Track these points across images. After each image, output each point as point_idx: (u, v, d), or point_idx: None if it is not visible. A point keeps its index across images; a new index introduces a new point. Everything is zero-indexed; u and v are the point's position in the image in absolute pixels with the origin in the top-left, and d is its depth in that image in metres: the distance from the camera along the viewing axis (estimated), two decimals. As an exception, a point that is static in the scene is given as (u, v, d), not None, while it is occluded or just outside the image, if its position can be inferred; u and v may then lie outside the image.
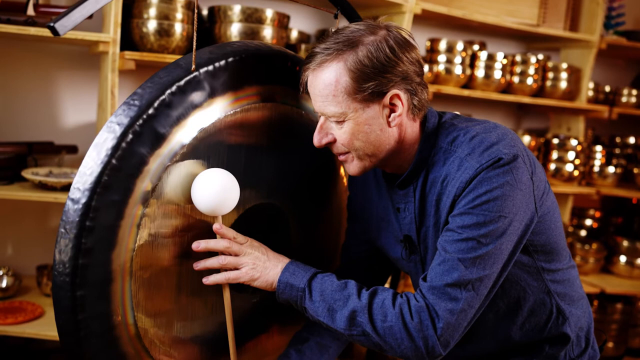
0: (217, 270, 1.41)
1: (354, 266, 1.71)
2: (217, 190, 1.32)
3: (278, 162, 1.54)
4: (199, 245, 1.37)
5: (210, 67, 1.36)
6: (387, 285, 1.92)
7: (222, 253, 1.39)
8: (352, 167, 1.41)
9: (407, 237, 1.50)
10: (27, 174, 2.27)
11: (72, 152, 2.57)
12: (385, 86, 1.31)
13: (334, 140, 1.38)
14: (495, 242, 1.28)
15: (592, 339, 1.60)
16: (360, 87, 1.29)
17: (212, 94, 1.37)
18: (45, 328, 2.26)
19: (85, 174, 1.20)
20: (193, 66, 1.33)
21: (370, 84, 1.29)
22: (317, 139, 1.40)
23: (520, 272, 1.43)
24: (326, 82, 1.31)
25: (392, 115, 1.34)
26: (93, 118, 2.65)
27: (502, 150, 1.29)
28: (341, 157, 1.42)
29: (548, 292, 1.47)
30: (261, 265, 1.39)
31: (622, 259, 3.69)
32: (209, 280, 1.39)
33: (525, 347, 1.53)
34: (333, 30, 1.37)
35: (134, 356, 1.35)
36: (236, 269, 1.39)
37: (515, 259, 1.38)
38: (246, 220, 1.50)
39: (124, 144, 1.22)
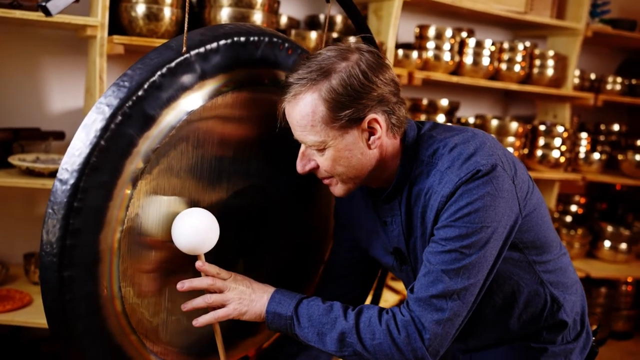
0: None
1: (343, 271, 1.73)
2: (196, 231, 1.34)
3: (268, 146, 1.55)
4: (184, 285, 1.38)
5: (202, 49, 1.35)
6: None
7: (207, 291, 1.41)
8: (337, 190, 1.43)
9: (397, 250, 1.52)
10: (13, 160, 2.25)
11: (59, 139, 2.55)
12: (362, 112, 1.31)
13: (317, 167, 1.39)
14: (479, 252, 1.29)
15: (587, 322, 1.63)
16: (337, 116, 1.30)
17: (203, 77, 1.36)
18: (34, 316, 2.24)
19: (74, 155, 1.19)
20: (184, 48, 1.32)
21: (346, 111, 1.29)
22: (300, 167, 1.40)
23: (513, 267, 1.45)
24: (303, 114, 1.31)
25: (372, 138, 1.35)
26: (81, 104, 2.63)
27: (480, 162, 1.30)
28: (325, 181, 1.43)
29: (541, 282, 1.49)
30: (247, 299, 1.40)
31: (607, 244, 3.74)
32: (198, 322, 1.40)
33: (524, 335, 1.56)
34: (305, 56, 1.36)
35: (121, 336, 1.35)
36: (223, 305, 1.40)
37: (507, 256, 1.40)
38: (234, 206, 1.51)
39: (113, 126, 1.21)
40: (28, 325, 2.24)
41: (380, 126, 1.34)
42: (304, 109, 1.31)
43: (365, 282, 1.78)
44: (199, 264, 1.38)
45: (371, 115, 1.32)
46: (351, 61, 1.30)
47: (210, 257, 1.42)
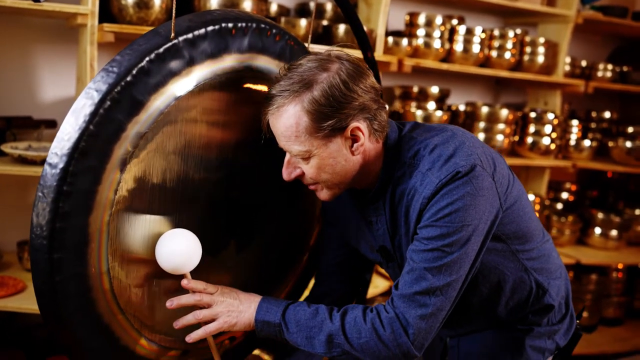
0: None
1: (333, 269, 1.77)
2: (179, 253, 1.38)
3: (256, 131, 1.56)
4: (172, 303, 1.43)
5: (190, 35, 1.36)
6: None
7: (196, 306, 1.45)
8: (322, 195, 1.46)
9: (383, 247, 1.56)
10: (6, 148, 2.26)
11: (51, 127, 2.56)
12: (344, 121, 1.33)
13: (303, 174, 1.42)
14: (460, 250, 1.34)
15: (571, 305, 1.67)
16: (320, 126, 1.32)
17: (191, 62, 1.38)
18: (28, 302, 2.26)
19: (63, 140, 1.21)
20: (172, 34, 1.33)
21: (329, 122, 1.32)
22: (286, 174, 1.43)
23: (497, 257, 1.49)
24: (287, 125, 1.34)
25: (355, 145, 1.38)
26: (72, 92, 2.64)
27: (459, 163, 1.33)
28: (311, 187, 1.46)
29: (525, 270, 1.53)
30: (236, 311, 1.44)
31: (597, 230, 3.77)
32: (191, 338, 1.45)
33: (511, 320, 1.61)
34: (286, 66, 1.39)
35: (109, 316, 1.38)
36: (213, 319, 1.44)
37: (491, 247, 1.44)
38: (222, 190, 1.53)
39: (101, 111, 1.23)
40: (22, 311, 2.26)
41: (363, 133, 1.37)
42: (287, 121, 1.34)
43: (356, 278, 1.82)
44: (184, 282, 1.44)
45: (354, 124, 1.35)
46: (332, 71, 1.33)
47: (203, 241, 1.45)
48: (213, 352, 1.53)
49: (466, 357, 1.66)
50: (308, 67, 1.34)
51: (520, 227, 1.49)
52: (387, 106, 1.44)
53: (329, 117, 1.32)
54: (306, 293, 2.04)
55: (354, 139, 1.37)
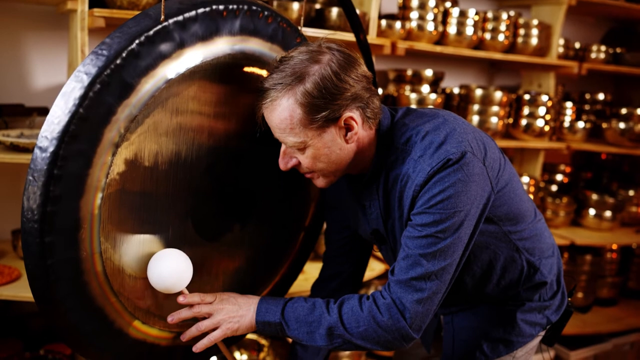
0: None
1: (339, 251, 1.81)
2: (170, 274, 1.41)
3: (247, 113, 1.56)
4: (173, 318, 1.48)
5: (180, 18, 1.36)
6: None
7: (197, 318, 1.50)
8: (319, 182, 1.50)
9: (375, 231, 1.59)
10: (-2, 135, 2.25)
11: (43, 114, 2.54)
12: (337, 112, 1.36)
13: (299, 163, 1.46)
14: (454, 235, 1.37)
15: (562, 283, 1.72)
16: (314, 118, 1.35)
17: (181, 45, 1.38)
18: (23, 290, 2.25)
19: (53, 123, 1.20)
20: (162, 16, 1.33)
21: (322, 113, 1.35)
22: (283, 164, 1.47)
23: (489, 238, 1.53)
24: (281, 118, 1.36)
25: (349, 134, 1.41)
26: (64, 79, 2.62)
27: (450, 150, 1.36)
28: (307, 176, 1.50)
29: (517, 249, 1.58)
30: (236, 316, 1.48)
31: (591, 212, 3.78)
32: (197, 348, 1.50)
33: (503, 297, 1.66)
34: (278, 59, 1.40)
35: (102, 299, 1.38)
36: (216, 327, 1.48)
37: (483, 229, 1.48)
38: (214, 173, 1.53)
39: (91, 94, 1.23)
40: (17, 300, 2.25)
41: (356, 122, 1.40)
42: (281, 114, 1.36)
43: (362, 259, 1.86)
44: (180, 299, 1.47)
45: (347, 114, 1.38)
46: (323, 63, 1.35)
47: (196, 224, 1.45)
48: (227, 355, 1.59)
49: (460, 332, 1.70)
50: (299, 59, 1.36)
51: (511, 209, 1.52)
52: (379, 92, 1.45)
53: (322, 109, 1.34)
54: (301, 276, 2.05)
55: (348, 128, 1.40)
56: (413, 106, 2.21)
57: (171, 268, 1.41)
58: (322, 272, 1.85)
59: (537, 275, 1.62)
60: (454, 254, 1.39)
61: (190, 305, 1.49)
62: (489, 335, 1.66)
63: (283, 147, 1.45)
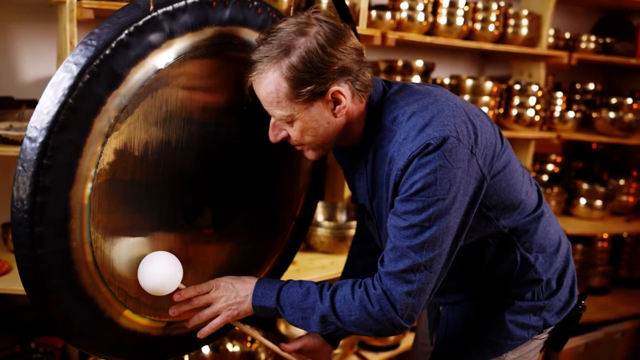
0: None
1: (365, 229, 1.83)
2: (161, 276, 1.42)
3: (237, 103, 1.56)
4: (174, 312, 1.51)
5: (169, 8, 1.35)
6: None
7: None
8: (309, 155, 1.49)
9: (362, 206, 1.60)
10: (-13, 128, 2.24)
11: (32, 107, 2.52)
12: (324, 86, 1.34)
13: (288, 136, 1.45)
14: (439, 223, 1.32)
15: (567, 283, 1.65)
16: (299, 92, 1.33)
17: (171, 35, 1.37)
18: (13, 283, 2.24)
19: (42, 113, 1.20)
20: (151, 7, 1.32)
21: (308, 87, 1.33)
22: (272, 136, 1.46)
23: (480, 226, 1.48)
24: (267, 91, 1.35)
25: (337, 107, 1.39)
26: (53, 71, 2.60)
27: (431, 134, 1.31)
28: (297, 148, 1.49)
29: (510, 241, 1.53)
30: (235, 303, 1.50)
31: (582, 201, 3.80)
32: (201, 335, 1.53)
33: (496, 291, 1.62)
34: (266, 30, 1.38)
35: (93, 289, 1.38)
36: (216, 315, 1.50)
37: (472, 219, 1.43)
38: (205, 163, 1.53)
39: (81, 84, 1.22)
40: (7, 293, 2.25)
41: (344, 96, 1.37)
42: (267, 87, 1.35)
43: None
44: (176, 296, 1.49)
45: (334, 88, 1.35)
46: (309, 36, 1.32)
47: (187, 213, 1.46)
48: (248, 332, 1.64)
49: (452, 326, 1.66)
50: (287, 31, 1.33)
51: (501, 200, 1.46)
52: (370, 65, 1.44)
53: (307, 83, 1.32)
54: (292, 267, 2.05)
55: (336, 101, 1.38)
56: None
57: (160, 273, 1.42)
58: (354, 239, 1.91)
59: (530, 272, 1.56)
60: (442, 244, 1.35)
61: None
62: (475, 335, 1.62)
63: (272, 120, 1.44)
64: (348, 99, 1.39)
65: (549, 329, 1.64)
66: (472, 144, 1.35)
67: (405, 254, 1.34)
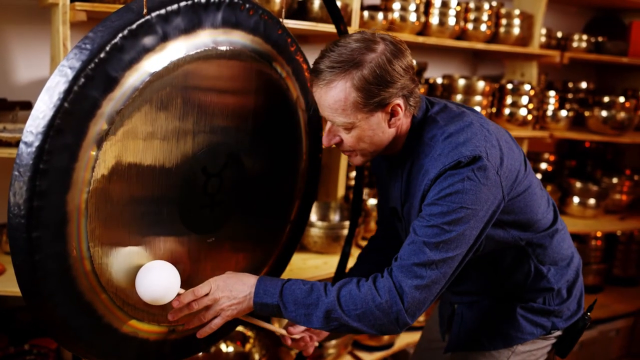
0: None
1: (386, 225, 1.89)
2: (158, 286, 1.43)
3: (232, 106, 1.56)
4: (174, 316, 1.53)
5: (163, 11, 1.36)
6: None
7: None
8: (356, 160, 1.60)
9: (393, 209, 1.68)
10: (-20, 131, 2.24)
11: (26, 109, 2.52)
12: (388, 99, 1.45)
13: (341, 141, 1.54)
14: (458, 229, 1.43)
15: (576, 294, 1.77)
16: (367, 102, 1.44)
17: (164, 38, 1.37)
18: (8, 284, 2.24)
19: (38, 118, 1.20)
20: (145, 10, 1.33)
21: (375, 99, 1.44)
22: (327, 141, 1.56)
23: (499, 237, 1.60)
24: (336, 99, 1.45)
25: (393, 119, 1.51)
26: (46, 73, 2.60)
27: (463, 153, 1.44)
28: (346, 153, 1.59)
29: (526, 254, 1.66)
30: (235, 303, 1.52)
31: (575, 199, 3.82)
32: (201, 334, 1.56)
33: (510, 295, 1.74)
34: (333, 42, 1.47)
35: (91, 294, 1.38)
36: (217, 315, 1.53)
37: (491, 232, 1.54)
38: (199, 165, 1.54)
39: (76, 88, 1.23)
40: (2, 294, 2.25)
41: (401, 109, 1.49)
42: (336, 95, 1.44)
43: None
44: (175, 303, 1.50)
45: (395, 101, 1.47)
46: (378, 52, 1.43)
47: (183, 217, 1.45)
48: (256, 322, 1.67)
49: (466, 322, 1.78)
50: (357, 46, 1.43)
51: (518, 219, 1.60)
52: (420, 83, 1.52)
53: (375, 95, 1.43)
54: (289, 268, 2.06)
55: (393, 113, 1.49)
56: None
57: (157, 284, 1.43)
58: (373, 242, 1.96)
59: (543, 281, 1.69)
60: (456, 249, 1.44)
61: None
62: (489, 327, 1.74)
63: (329, 125, 1.53)
64: (402, 113, 1.50)
65: (557, 333, 1.76)
66: (498, 166, 1.48)
67: (422, 249, 1.43)
